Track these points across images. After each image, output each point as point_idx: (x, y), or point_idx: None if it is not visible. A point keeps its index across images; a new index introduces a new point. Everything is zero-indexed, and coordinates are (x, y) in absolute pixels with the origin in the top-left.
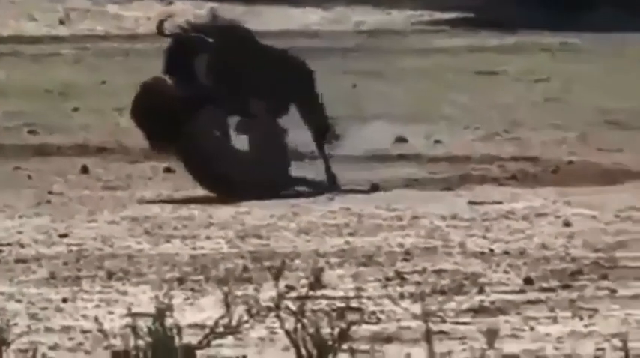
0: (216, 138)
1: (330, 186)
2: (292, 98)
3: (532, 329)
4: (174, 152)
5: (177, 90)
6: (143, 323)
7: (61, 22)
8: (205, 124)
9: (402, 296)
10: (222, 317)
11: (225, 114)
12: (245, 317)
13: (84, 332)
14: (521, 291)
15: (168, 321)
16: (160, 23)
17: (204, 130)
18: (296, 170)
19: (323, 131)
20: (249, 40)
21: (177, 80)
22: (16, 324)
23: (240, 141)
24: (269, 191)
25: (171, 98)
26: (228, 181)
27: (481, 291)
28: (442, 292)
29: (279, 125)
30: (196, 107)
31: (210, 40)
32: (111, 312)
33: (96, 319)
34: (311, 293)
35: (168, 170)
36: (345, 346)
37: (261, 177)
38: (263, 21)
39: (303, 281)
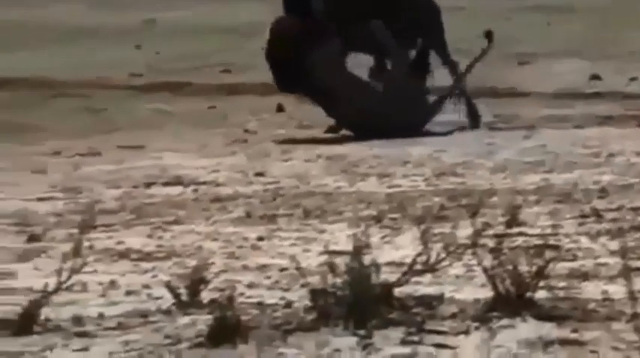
0: (345, 73)
1: (472, 123)
2: (419, 33)
3: None
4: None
5: (297, 26)
6: (340, 261)
7: None
8: (328, 59)
9: (599, 233)
10: (419, 255)
11: (347, 48)
12: (442, 255)
13: (281, 270)
14: None
15: (366, 259)
16: None
17: (328, 66)
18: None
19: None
20: None
21: (295, 15)
22: (213, 263)
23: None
24: (407, 129)
25: (293, 37)
26: (364, 117)
27: None
28: (639, 229)
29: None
30: (317, 41)
31: None
32: (307, 250)
33: (293, 257)
34: (508, 230)
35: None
36: (542, 283)
37: (398, 115)
38: None
39: (500, 219)
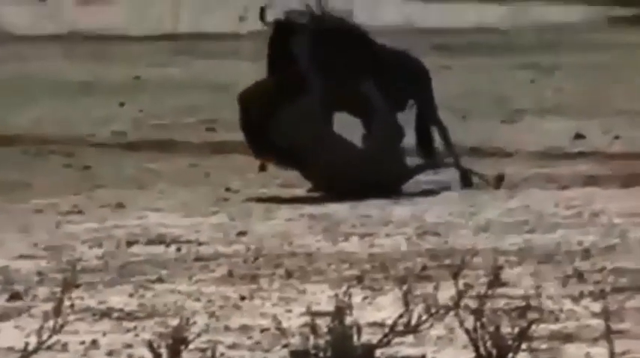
0: (323, 130)
1: (463, 182)
2: (409, 96)
3: None
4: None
5: (266, 87)
6: (322, 322)
7: (241, 19)
8: (303, 116)
9: (581, 294)
10: (401, 316)
11: (330, 106)
12: (424, 316)
13: (262, 330)
14: None
15: (348, 320)
16: (262, 10)
17: (301, 123)
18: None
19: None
20: (356, 35)
21: (277, 69)
22: (194, 323)
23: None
24: (385, 189)
25: (261, 100)
26: (341, 177)
27: None
28: (622, 290)
29: (395, 120)
30: (289, 98)
31: (305, 22)
32: (289, 311)
33: (274, 318)
34: (490, 291)
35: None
36: (524, 345)
37: (377, 174)
38: (439, 17)
39: (483, 280)
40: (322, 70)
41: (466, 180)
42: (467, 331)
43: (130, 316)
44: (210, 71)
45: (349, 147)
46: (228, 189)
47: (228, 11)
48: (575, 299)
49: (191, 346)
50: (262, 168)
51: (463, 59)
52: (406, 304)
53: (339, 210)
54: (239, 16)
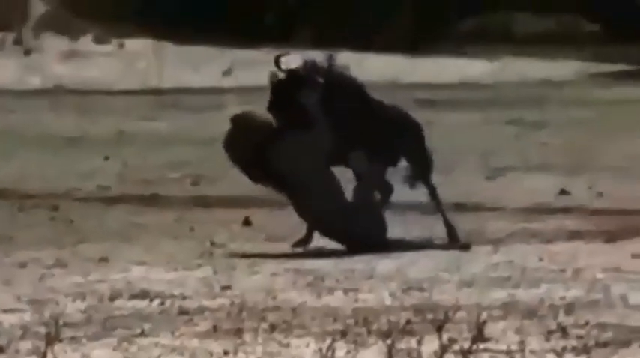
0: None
1: (451, 240)
2: (402, 153)
3: None
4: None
5: (275, 121)
6: None
7: (225, 74)
8: (308, 148)
9: (564, 349)
10: None
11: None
12: None
13: None
14: None
15: None
16: (277, 57)
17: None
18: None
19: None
20: (357, 91)
21: (279, 113)
22: None
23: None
24: (368, 243)
25: (261, 128)
26: (328, 222)
27: None
28: (605, 345)
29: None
30: (301, 129)
31: (320, 80)
32: None
33: None
34: (474, 346)
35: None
36: None
37: (361, 228)
38: (424, 72)
39: (466, 335)
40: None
41: (453, 237)
42: None
43: None
44: (195, 125)
45: (341, 196)
46: (212, 243)
47: (212, 66)
48: (559, 354)
49: None
50: (247, 223)
51: (447, 114)
52: None
53: (323, 264)
54: (223, 70)
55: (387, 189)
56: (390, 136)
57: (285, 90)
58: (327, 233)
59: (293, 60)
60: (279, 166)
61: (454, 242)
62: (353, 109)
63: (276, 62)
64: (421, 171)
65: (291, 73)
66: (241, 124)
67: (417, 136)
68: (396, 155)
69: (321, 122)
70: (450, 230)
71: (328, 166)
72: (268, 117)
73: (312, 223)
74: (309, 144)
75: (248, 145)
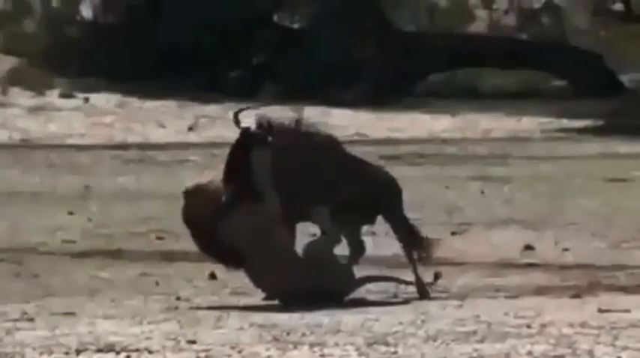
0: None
1: (421, 296)
2: (379, 212)
3: None
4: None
5: (226, 185)
6: None
7: (190, 129)
8: (253, 223)
9: None
10: None
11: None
12: None
13: None
14: None
15: None
16: (236, 113)
17: (244, 231)
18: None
19: (411, 244)
20: (329, 146)
21: (231, 174)
22: None
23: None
24: (329, 298)
25: (212, 202)
26: (284, 284)
27: None
28: None
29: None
30: (240, 203)
31: (270, 138)
32: None
33: None
34: None
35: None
36: None
37: (319, 283)
38: (391, 126)
39: None
40: (278, 188)
41: (424, 293)
42: None
43: None
44: (160, 180)
45: (292, 258)
46: (178, 298)
47: (177, 121)
48: None
49: None
50: (212, 277)
51: (413, 169)
52: None
53: (288, 318)
54: (188, 126)
55: (360, 248)
56: (365, 193)
57: (238, 149)
58: (285, 300)
59: (255, 116)
60: (231, 240)
61: (424, 297)
62: (322, 164)
63: (235, 118)
64: (397, 227)
65: (242, 132)
66: (193, 199)
67: (394, 192)
68: (372, 212)
69: (269, 190)
70: (421, 286)
71: (291, 223)
72: (220, 187)
73: (270, 293)
74: (258, 215)
75: (201, 221)
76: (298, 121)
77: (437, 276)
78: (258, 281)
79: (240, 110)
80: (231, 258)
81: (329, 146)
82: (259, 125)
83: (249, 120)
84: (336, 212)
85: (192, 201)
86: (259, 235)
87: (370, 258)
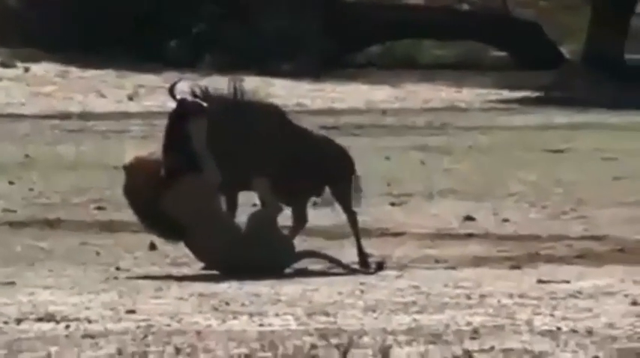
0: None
1: (362, 266)
2: (327, 182)
3: None
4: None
5: (166, 157)
6: None
7: (130, 99)
8: (187, 193)
9: None
10: None
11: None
12: None
13: None
14: None
15: None
16: (172, 86)
17: (186, 203)
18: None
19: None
20: (272, 118)
21: (170, 146)
22: None
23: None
24: (269, 270)
25: (153, 176)
26: (224, 256)
27: None
28: None
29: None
30: (180, 174)
31: (205, 105)
32: None
33: None
34: None
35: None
36: None
37: (260, 256)
38: (331, 97)
39: None
40: (217, 158)
41: (365, 263)
42: None
43: None
44: (100, 150)
45: (232, 229)
46: (118, 268)
47: (117, 91)
48: None
49: None
50: (152, 247)
51: (352, 140)
52: None
53: (228, 288)
54: (128, 95)
55: (303, 220)
56: (313, 164)
57: (175, 120)
58: (224, 270)
59: (189, 87)
60: (172, 212)
61: (365, 268)
62: (263, 134)
63: (171, 91)
64: (345, 203)
65: (178, 102)
66: (134, 173)
67: (345, 163)
68: (320, 183)
69: (208, 160)
70: (363, 257)
71: (232, 193)
72: (159, 162)
73: (209, 263)
74: (198, 185)
75: (142, 195)
76: (236, 90)
77: (380, 266)
78: (198, 252)
79: (175, 83)
80: (172, 230)
81: (271, 115)
82: (194, 94)
83: (188, 91)
84: (281, 183)
85: (133, 175)
86: (199, 205)
87: (310, 228)
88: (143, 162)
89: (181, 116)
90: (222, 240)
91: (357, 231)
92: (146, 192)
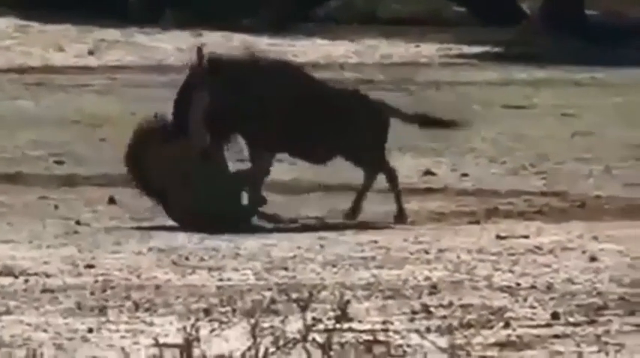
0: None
1: (398, 220)
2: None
3: None
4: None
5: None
6: (170, 354)
7: (90, 53)
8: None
9: (428, 330)
10: (248, 349)
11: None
12: (271, 349)
13: None
14: (548, 326)
15: (195, 352)
16: (199, 50)
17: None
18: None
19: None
20: (294, 76)
21: (175, 113)
22: (42, 355)
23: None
24: (230, 224)
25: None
26: (186, 212)
27: (507, 326)
28: (469, 326)
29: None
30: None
31: (206, 76)
32: (137, 343)
33: (122, 350)
34: (337, 325)
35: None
36: None
37: (217, 210)
38: (291, 51)
39: (330, 314)
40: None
41: (402, 217)
42: None
43: None
44: (60, 105)
45: (192, 182)
46: (77, 222)
47: (77, 45)
48: (422, 335)
49: None
50: (112, 201)
51: None
52: (254, 337)
53: (187, 243)
54: (88, 50)
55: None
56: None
57: (183, 90)
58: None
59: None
60: (153, 178)
61: (402, 222)
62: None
63: (198, 54)
64: (378, 154)
65: (190, 68)
66: (140, 138)
67: (376, 117)
68: (329, 152)
69: (199, 126)
70: (401, 211)
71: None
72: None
73: (181, 222)
74: (181, 148)
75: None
76: (251, 55)
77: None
78: (173, 213)
79: (202, 46)
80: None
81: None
82: (203, 63)
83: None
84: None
85: (138, 141)
86: (177, 168)
87: (274, 182)
88: (150, 128)
89: (189, 84)
90: (195, 203)
91: (397, 187)
92: (146, 156)
